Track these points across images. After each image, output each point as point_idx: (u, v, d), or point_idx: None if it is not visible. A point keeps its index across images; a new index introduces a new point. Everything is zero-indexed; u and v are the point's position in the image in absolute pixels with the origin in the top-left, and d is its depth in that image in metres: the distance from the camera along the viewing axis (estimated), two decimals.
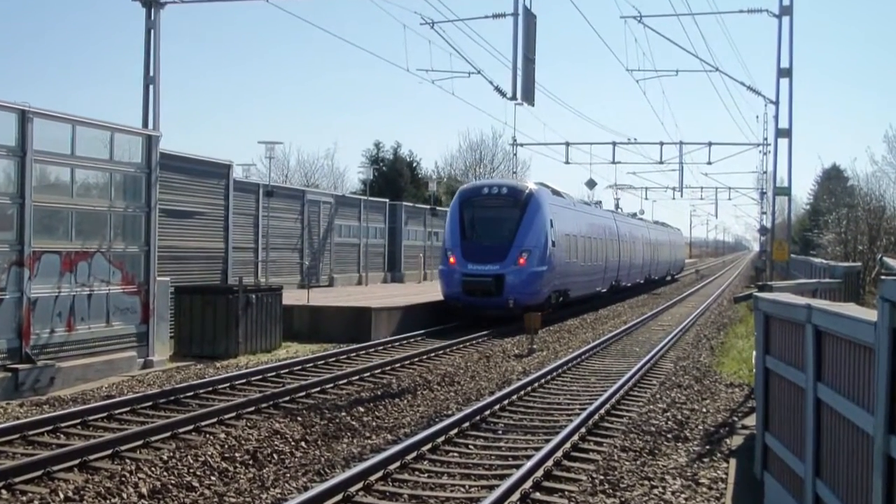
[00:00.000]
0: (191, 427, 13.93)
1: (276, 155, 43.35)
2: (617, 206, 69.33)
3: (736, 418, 15.49)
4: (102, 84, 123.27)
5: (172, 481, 10.89)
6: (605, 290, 45.72)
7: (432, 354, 23.66)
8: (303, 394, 17.21)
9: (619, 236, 49.71)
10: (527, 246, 31.87)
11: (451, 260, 32.02)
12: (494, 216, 32.45)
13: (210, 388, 17.55)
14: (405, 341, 26.72)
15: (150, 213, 21.56)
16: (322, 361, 21.87)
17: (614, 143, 55.08)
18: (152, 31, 22.64)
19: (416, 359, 22.65)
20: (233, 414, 15.02)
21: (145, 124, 22.42)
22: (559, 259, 34.32)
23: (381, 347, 25.11)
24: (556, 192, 37.84)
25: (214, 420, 14.52)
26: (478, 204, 32.87)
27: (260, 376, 19.24)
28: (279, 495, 10.40)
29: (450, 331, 29.81)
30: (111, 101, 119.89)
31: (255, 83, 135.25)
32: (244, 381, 18.60)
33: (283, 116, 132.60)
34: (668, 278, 75.20)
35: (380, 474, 11.16)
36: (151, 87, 22.61)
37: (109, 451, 12.18)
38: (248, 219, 35.87)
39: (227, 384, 18.12)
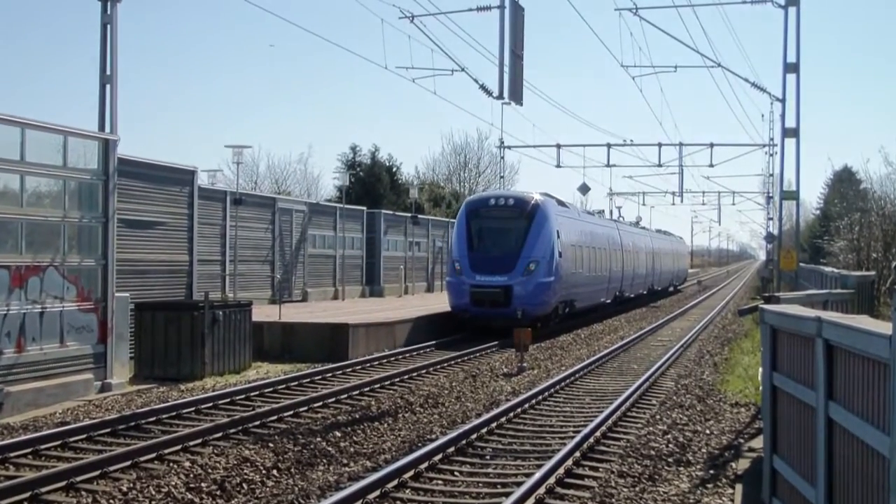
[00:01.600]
0: (153, 455, 13.83)
1: (244, 160, 43.23)
2: (619, 215, 69.93)
3: (742, 440, 15.51)
4: (58, 84, 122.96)
5: None
6: (609, 301, 47.49)
7: (414, 374, 23.62)
8: (274, 418, 17.12)
9: (623, 246, 51.47)
10: (534, 257, 33.92)
11: (459, 271, 34.09)
12: (502, 227, 34.71)
13: (174, 413, 17.44)
14: (385, 360, 26.68)
15: (108, 223, 21.46)
16: (295, 383, 21.80)
17: (609, 145, 55.21)
18: (108, 27, 22.57)
19: (397, 379, 22.60)
20: (198, 441, 14.93)
21: (102, 127, 22.33)
22: (566, 270, 36.27)
23: (360, 367, 25.07)
24: (561, 203, 39.74)
25: (178, 447, 14.43)
26: (485, 215, 35.05)
27: (228, 399, 19.15)
28: None
29: (434, 349, 29.87)
30: (67, 102, 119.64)
31: (222, 83, 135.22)
32: (211, 404, 18.50)
33: (252, 118, 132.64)
34: (671, 289, 76.74)
35: None
36: (108, 86, 22.52)
37: (63, 483, 12.09)
38: (215, 229, 35.78)
39: (193, 408, 18.01)
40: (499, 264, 33.64)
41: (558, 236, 35.43)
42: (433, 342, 30.79)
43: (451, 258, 35.60)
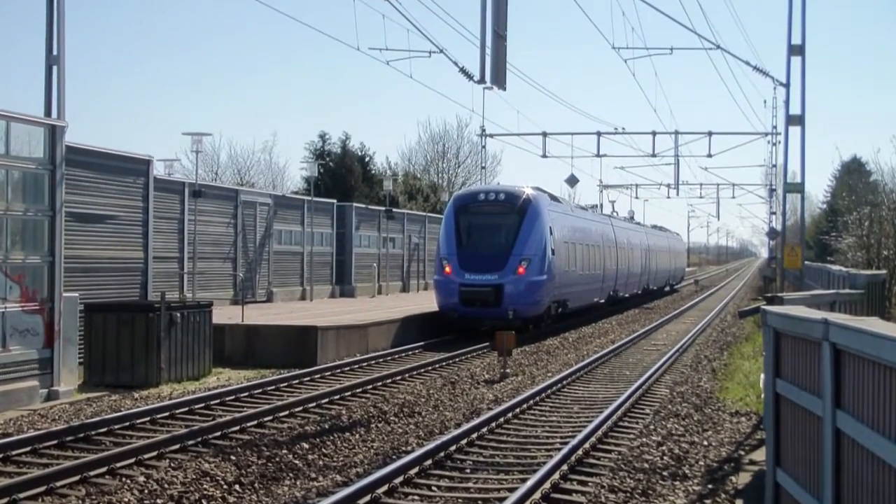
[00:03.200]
0: (104, 469, 13.77)
1: (203, 148, 42.98)
2: (613, 210, 70.35)
3: (742, 452, 15.56)
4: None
5: None
6: (602, 301, 48.40)
7: (389, 381, 23.61)
8: (237, 428, 17.09)
9: (617, 243, 52.42)
10: (526, 254, 34.55)
11: (447, 269, 34.70)
12: (492, 223, 35.41)
13: (127, 424, 17.36)
14: (357, 366, 26.67)
15: (55, 217, 21.35)
16: (259, 390, 21.75)
17: (599, 133, 55.45)
18: (55, 2, 22.43)
19: (370, 386, 22.60)
20: (154, 453, 14.88)
21: (48, 113, 22.19)
22: (559, 268, 36.94)
23: (329, 373, 25.04)
24: (553, 198, 40.52)
25: (132, 461, 14.38)
26: (474, 211, 35.77)
27: (186, 408, 19.09)
28: None
29: (411, 353, 29.93)
30: (9, 85, 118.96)
31: (178, 65, 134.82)
32: (167, 414, 18.45)
33: (212, 104, 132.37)
34: (667, 289, 77.50)
35: None
36: (55, 68, 22.36)
37: (6, 501, 12.02)
38: (172, 223, 35.65)
39: (148, 418, 17.94)
40: (489, 262, 34.26)
41: (551, 233, 36.06)
42: (410, 346, 30.82)
43: (439, 256, 36.13)
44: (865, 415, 6.81)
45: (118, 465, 14.08)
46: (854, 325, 7.19)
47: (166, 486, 12.81)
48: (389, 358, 28.72)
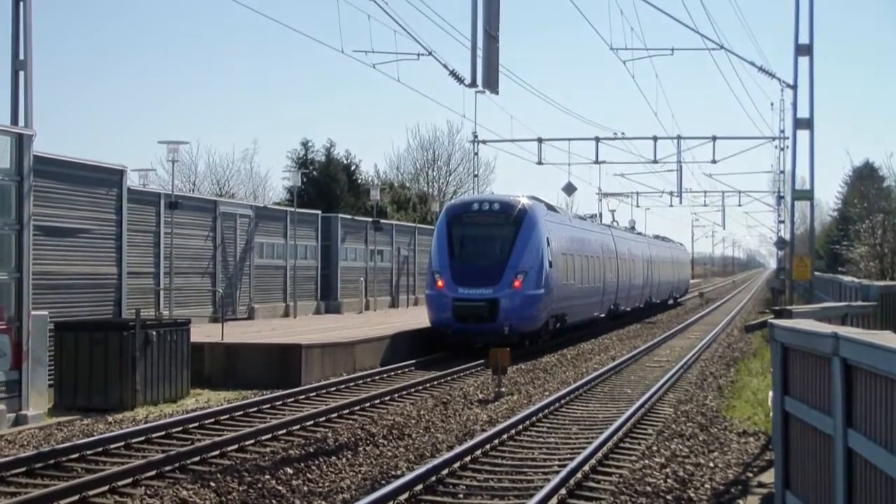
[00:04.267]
0: (75, 498, 13.75)
1: (180, 158, 43.03)
2: (613, 220, 70.52)
3: (750, 474, 15.58)
4: None
5: None
6: (603, 315, 48.65)
7: (377, 401, 23.60)
8: (216, 453, 17.07)
9: (618, 255, 52.59)
10: (522, 267, 34.68)
11: (440, 283, 34.79)
12: (486, 234, 35.61)
13: (100, 449, 17.33)
14: (343, 385, 26.66)
15: (22, 230, 21.31)
16: (240, 412, 21.73)
17: (597, 139, 55.45)
18: (21, 3, 22.41)
19: (358, 407, 22.58)
20: (128, 480, 14.84)
21: (14, 121, 22.16)
22: (556, 281, 37.09)
23: (314, 394, 25.02)
24: (550, 207, 40.90)
25: (105, 488, 14.34)
26: (467, 221, 35.99)
27: (163, 432, 19.06)
28: None
29: (400, 372, 29.95)
30: None
31: (153, 70, 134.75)
32: (143, 438, 18.41)
33: (190, 111, 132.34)
34: (671, 302, 77.70)
35: None
36: (22, 73, 22.33)
37: None
38: (147, 237, 35.60)
39: (122, 443, 17.91)
40: (483, 276, 34.36)
41: (548, 244, 36.19)
42: (400, 364, 30.80)
43: (430, 269, 36.21)
44: (879, 434, 6.81)
45: (90, 493, 14.05)
46: (866, 340, 7.20)
47: None
48: (378, 377, 28.71)
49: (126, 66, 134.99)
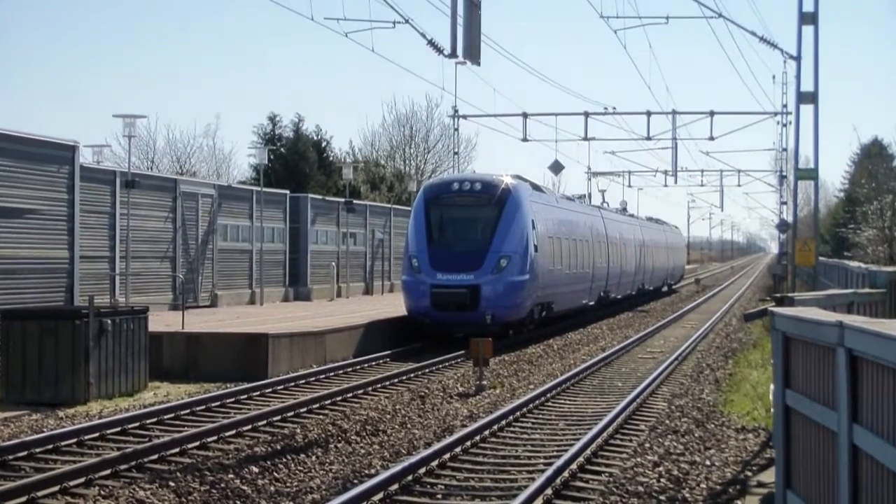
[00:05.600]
0: (24, 498, 13.72)
1: (137, 133, 42.96)
2: (603, 201, 70.57)
3: (749, 473, 15.62)
4: None
5: None
6: (592, 303, 48.70)
7: (349, 395, 23.61)
8: (176, 451, 17.03)
9: (608, 238, 52.76)
10: (505, 251, 34.60)
11: (417, 269, 34.64)
12: (467, 216, 35.66)
13: (50, 446, 17.27)
14: (313, 378, 26.63)
15: None
16: (202, 407, 21.70)
17: (587, 114, 55.37)
18: None
19: (329, 401, 22.59)
20: (81, 480, 14.80)
21: None
22: (542, 266, 37.12)
23: (282, 387, 25.01)
24: (536, 187, 40.72)
25: (56, 488, 14.31)
26: (447, 202, 35.80)
27: (118, 428, 19.00)
28: None
29: (374, 363, 29.96)
30: None
31: (108, 38, 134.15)
32: (97, 435, 18.35)
33: (147, 82, 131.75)
34: (665, 289, 77.98)
35: None
36: None
37: None
38: (102, 218, 35.51)
39: (74, 440, 17.85)
40: (464, 261, 34.33)
41: (533, 227, 36.12)
42: (374, 356, 30.80)
43: (407, 253, 36.17)
44: (886, 429, 6.83)
45: (40, 493, 14.01)
46: (872, 329, 7.21)
47: None
48: (350, 369, 28.68)
49: (77, 32, 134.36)
